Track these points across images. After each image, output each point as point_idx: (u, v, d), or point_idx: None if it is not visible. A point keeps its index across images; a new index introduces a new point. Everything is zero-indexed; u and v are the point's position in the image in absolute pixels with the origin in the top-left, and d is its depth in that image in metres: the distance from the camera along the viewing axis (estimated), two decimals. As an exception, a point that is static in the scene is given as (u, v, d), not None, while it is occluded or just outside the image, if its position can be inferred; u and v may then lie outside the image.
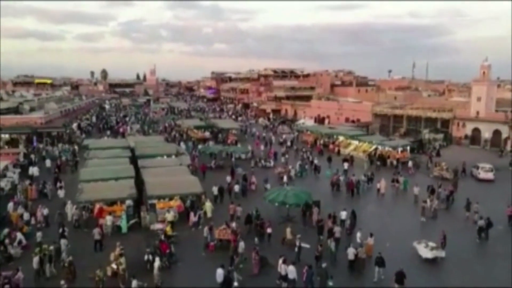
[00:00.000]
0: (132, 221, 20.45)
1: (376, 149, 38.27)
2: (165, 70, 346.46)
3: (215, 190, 24.71)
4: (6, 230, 18.62)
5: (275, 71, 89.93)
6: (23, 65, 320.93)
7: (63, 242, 17.31)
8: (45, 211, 21.29)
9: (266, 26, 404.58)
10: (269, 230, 18.95)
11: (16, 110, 48.90)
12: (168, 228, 18.85)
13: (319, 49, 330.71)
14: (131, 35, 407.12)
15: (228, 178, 27.73)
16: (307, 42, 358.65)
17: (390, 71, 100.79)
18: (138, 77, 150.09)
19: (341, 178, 28.45)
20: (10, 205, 22.18)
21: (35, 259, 15.40)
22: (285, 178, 29.02)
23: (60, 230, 18.38)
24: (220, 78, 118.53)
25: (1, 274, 14.48)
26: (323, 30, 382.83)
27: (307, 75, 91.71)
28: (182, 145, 39.51)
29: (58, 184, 26.33)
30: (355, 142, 41.09)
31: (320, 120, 61.69)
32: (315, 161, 34.32)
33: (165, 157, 29.96)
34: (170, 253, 16.75)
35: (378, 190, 27.29)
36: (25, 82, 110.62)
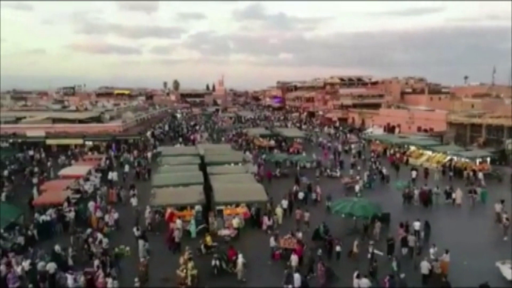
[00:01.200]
0: (200, 226, 21.17)
1: (451, 160, 35.96)
2: (232, 80, 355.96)
3: (284, 203, 24.00)
4: (89, 230, 20.29)
5: (341, 79, 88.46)
6: (105, 77, 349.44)
7: (141, 242, 18.41)
8: (116, 215, 22.69)
9: (331, 34, 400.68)
10: (338, 248, 18.15)
11: (98, 119, 53.12)
12: (208, 239, 19.04)
13: (388, 56, 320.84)
14: (201, 46, 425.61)
15: (294, 188, 27.65)
16: (374, 49, 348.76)
17: (466, 78, 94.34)
18: (207, 87, 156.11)
19: (416, 192, 26.57)
20: (91, 204, 24.08)
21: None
22: (357, 188, 28.32)
23: (137, 232, 19.81)
24: (286, 87, 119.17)
25: (85, 271, 15.73)
26: (392, 36, 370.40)
27: (375, 83, 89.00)
28: (248, 153, 40.18)
29: (131, 192, 27.20)
30: (428, 153, 38.94)
31: (389, 129, 59.41)
32: (384, 172, 33.15)
33: (232, 164, 30.71)
34: (236, 259, 17.06)
35: (453, 201, 25.65)
36: (107, 93, 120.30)
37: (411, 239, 18.15)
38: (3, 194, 27.22)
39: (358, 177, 31.03)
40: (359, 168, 35.51)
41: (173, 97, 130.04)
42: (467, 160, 34.67)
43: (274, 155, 39.25)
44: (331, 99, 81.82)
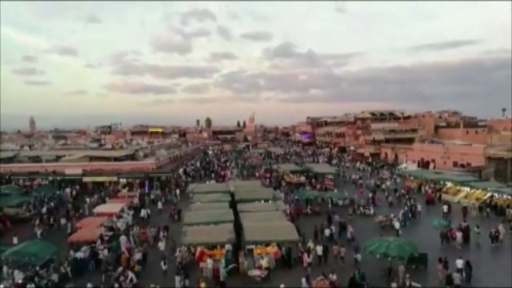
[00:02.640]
0: (231, 266, 20.87)
1: (491, 196, 34.27)
2: (263, 116, 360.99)
3: (319, 249, 22.51)
4: (120, 268, 20.46)
5: (373, 114, 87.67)
6: (140, 116, 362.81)
7: (177, 279, 18.71)
8: (139, 255, 22.62)
9: (361, 69, 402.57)
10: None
11: (132, 157, 54.67)
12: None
13: (421, 90, 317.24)
14: (232, 85, 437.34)
15: (327, 231, 26.98)
16: (407, 83, 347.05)
17: (504, 110, 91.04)
18: (238, 124, 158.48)
19: (458, 235, 24.93)
20: (123, 241, 24.52)
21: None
22: (397, 225, 27.49)
23: (164, 266, 20.12)
24: (316, 123, 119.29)
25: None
26: (426, 69, 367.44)
27: (408, 117, 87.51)
28: (278, 190, 39.87)
29: (162, 234, 26.71)
30: (465, 189, 37.34)
31: (424, 164, 57.74)
32: (419, 209, 32.03)
33: (262, 201, 30.50)
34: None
35: (496, 238, 24.28)
36: (141, 131, 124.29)
37: (456, 276, 17.34)
38: (39, 232, 28.07)
39: (392, 215, 30.02)
40: (393, 205, 34.44)
41: (205, 134, 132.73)
42: (509, 197, 32.94)
43: (305, 192, 38.73)
44: (363, 134, 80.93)
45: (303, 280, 18.11)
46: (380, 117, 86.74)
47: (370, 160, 69.98)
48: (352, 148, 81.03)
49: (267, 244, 22.19)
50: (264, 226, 23.20)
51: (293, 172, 49.88)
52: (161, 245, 24.53)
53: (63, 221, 30.97)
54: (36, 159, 55.29)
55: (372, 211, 33.19)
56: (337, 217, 30.05)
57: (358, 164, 65.80)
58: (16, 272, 19.55)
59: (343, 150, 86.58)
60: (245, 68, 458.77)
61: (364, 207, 34.23)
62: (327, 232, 26.43)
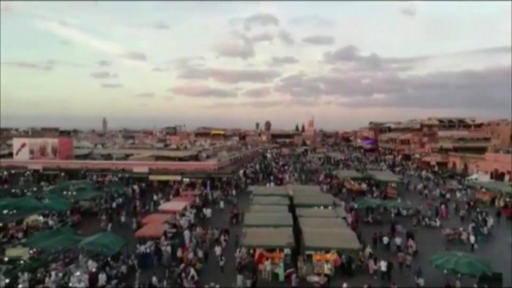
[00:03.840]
0: (289, 270, 20.85)
1: None
2: (322, 121, 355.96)
3: (383, 265, 21.11)
4: (182, 265, 21.27)
5: (440, 121, 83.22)
6: (203, 118, 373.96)
7: (239, 277, 19.19)
8: (200, 253, 23.49)
9: (428, 73, 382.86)
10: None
11: (195, 158, 56.60)
12: None
13: (494, 96, 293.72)
14: (292, 89, 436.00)
15: (385, 239, 26.07)
16: (478, 89, 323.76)
17: None
18: (297, 128, 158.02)
19: None
20: (187, 233, 26.12)
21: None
22: (472, 239, 25.90)
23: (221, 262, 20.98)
24: (379, 128, 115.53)
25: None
26: (499, 74, 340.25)
27: (480, 125, 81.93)
28: (338, 198, 39.12)
29: (223, 237, 26.67)
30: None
31: (498, 176, 53.52)
32: (491, 223, 29.83)
33: (321, 207, 30.14)
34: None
35: None
36: (204, 133, 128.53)
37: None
38: (109, 225, 30.00)
39: (461, 229, 28.21)
40: (465, 218, 32.42)
41: (264, 138, 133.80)
42: None
43: (367, 200, 37.56)
44: (429, 142, 76.95)
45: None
46: (448, 124, 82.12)
47: (436, 169, 66.33)
48: (417, 156, 77.33)
49: (327, 251, 21.85)
50: (324, 232, 22.90)
51: (354, 179, 48.68)
52: (218, 250, 23.97)
53: (129, 217, 32.82)
54: (108, 157, 59.24)
55: (438, 223, 31.44)
56: (400, 227, 28.87)
57: (423, 173, 62.65)
58: (90, 261, 21.10)
59: (407, 157, 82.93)
60: (305, 72, 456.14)
61: (430, 218, 32.50)
62: (385, 240, 25.74)
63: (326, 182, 50.96)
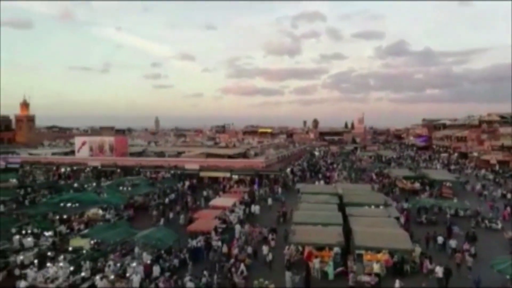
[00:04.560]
0: (339, 269, 20.63)
1: None
2: (373, 118, 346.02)
3: (439, 271, 19.62)
4: (232, 260, 21.71)
5: (502, 117, 77.96)
6: (251, 117, 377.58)
7: (287, 274, 19.30)
8: (250, 249, 23.71)
9: (485, 67, 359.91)
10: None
11: (244, 155, 57.29)
12: None
13: None
14: (341, 86, 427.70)
15: (440, 239, 25.02)
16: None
17: None
18: (346, 125, 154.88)
19: None
20: (238, 227, 27.03)
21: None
22: None
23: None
24: (433, 125, 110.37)
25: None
26: None
27: (547, 121, 75.74)
28: (390, 196, 37.97)
29: (271, 236, 26.29)
30: None
31: None
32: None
33: (372, 207, 29.45)
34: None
35: None
36: (252, 131, 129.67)
37: None
38: (162, 220, 31.16)
39: (526, 233, 26.38)
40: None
41: (312, 135, 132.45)
42: None
43: (420, 200, 36.10)
44: (489, 139, 72.38)
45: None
46: (511, 120, 76.69)
47: (497, 168, 62.32)
48: (475, 154, 73.07)
49: (378, 250, 21.34)
50: (375, 232, 22.40)
51: (406, 178, 46.97)
52: (265, 249, 23.71)
53: (181, 212, 33.91)
54: (161, 154, 61.52)
55: (500, 226, 29.60)
56: (457, 228, 27.53)
57: (482, 172, 59.14)
58: (144, 253, 22.10)
59: (464, 156, 78.59)
60: (354, 68, 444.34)
61: (491, 220, 30.67)
62: (440, 239, 24.76)
63: (377, 181, 49.61)
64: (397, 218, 27.15)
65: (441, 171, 56.48)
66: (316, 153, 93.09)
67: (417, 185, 44.60)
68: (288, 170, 56.64)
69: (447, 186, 42.73)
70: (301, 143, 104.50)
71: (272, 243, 25.24)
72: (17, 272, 20.60)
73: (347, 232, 23.29)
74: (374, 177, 52.73)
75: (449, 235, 26.01)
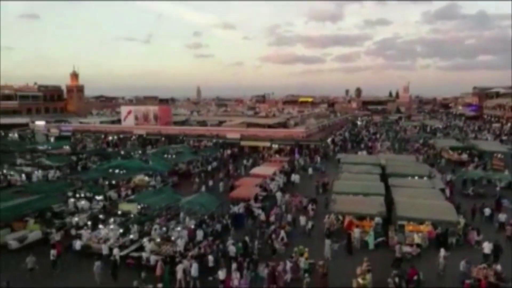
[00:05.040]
0: (379, 239, 20.54)
1: None
2: (418, 86, 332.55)
3: (486, 246, 18.71)
4: (272, 227, 22.16)
5: None
6: (291, 86, 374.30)
7: (327, 242, 19.54)
8: (289, 217, 23.97)
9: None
10: None
11: (284, 125, 57.23)
12: (305, 256, 18.08)
13: None
14: (385, 53, 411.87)
15: (487, 210, 24.16)
16: None
17: None
18: (390, 94, 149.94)
19: None
20: (279, 195, 27.59)
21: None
22: None
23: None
24: (484, 94, 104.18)
25: (268, 264, 17.20)
26: None
27: None
28: (435, 168, 36.75)
29: (310, 206, 26.18)
30: None
31: None
32: None
33: (416, 177, 28.70)
34: (418, 280, 15.90)
35: None
36: (292, 101, 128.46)
37: None
38: (203, 186, 32.09)
39: None
40: None
41: (354, 105, 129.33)
42: None
43: (467, 172, 34.70)
44: (548, 109, 67.59)
45: (462, 263, 16.64)
46: None
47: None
48: (531, 124, 68.72)
49: (421, 222, 20.97)
50: (418, 203, 21.89)
51: (453, 148, 45.08)
52: (302, 219, 23.76)
53: (223, 179, 34.73)
54: (203, 123, 62.75)
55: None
56: (507, 202, 26.36)
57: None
58: (187, 218, 23.03)
59: (519, 126, 74.05)
60: (400, 34, 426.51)
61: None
62: (487, 211, 23.98)
63: (422, 151, 48.04)
64: (442, 190, 26.33)
65: (491, 142, 53.67)
66: (359, 123, 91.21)
67: (464, 156, 42.79)
68: (329, 140, 56.01)
69: (498, 157, 40.61)
70: (343, 113, 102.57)
71: (311, 213, 25.36)
72: (73, 232, 22.20)
73: (389, 202, 22.96)
74: (419, 147, 51.07)
75: (498, 209, 24.98)
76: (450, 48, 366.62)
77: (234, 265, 16.92)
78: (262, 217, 24.24)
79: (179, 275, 16.65)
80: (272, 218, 23.78)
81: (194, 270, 16.77)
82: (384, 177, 28.59)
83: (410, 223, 21.12)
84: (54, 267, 18.47)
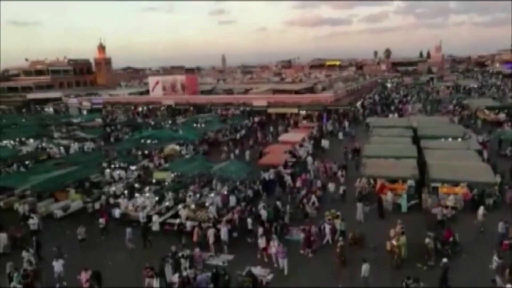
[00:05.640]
0: (412, 202, 20.39)
1: None
2: (452, 45, 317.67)
3: None
4: (303, 192, 22.34)
5: None
6: (317, 49, 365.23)
7: (359, 205, 19.71)
8: (319, 183, 23.89)
9: None
10: None
11: (311, 90, 56.34)
12: (340, 218, 18.07)
13: None
14: (415, 11, 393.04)
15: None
16: None
17: None
18: (421, 54, 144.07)
19: None
20: (309, 160, 28.13)
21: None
22: None
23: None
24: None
25: (301, 227, 17.49)
26: None
27: None
28: (470, 128, 35.59)
29: (340, 173, 25.73)
30: None
31: None
32: None
33: (450, 139, 27.96)
34: (454, 241, 15.81)
35: None
36: (319, 65, 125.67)
37: None
38: (232, 154, 32.42)
39: None
40: None
41: (383, 67, 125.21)
42: None
43: (504, 132, 33.41)
44: None
45: (501, 223, 16.33)
46: None
47: None
48: None
49: (456, 184, 20.59)
50: (452, 165, 21.43)
51: (489, 108, 43.36)
52: (331, 186, 23.40)
53: (253, 146, 34.99)
54: (229, 92, 62.69)
55: None
56: (547, 162, 25.40)
57: None
58: (219, 185, 23.53)
59: (561, 82, 70.08)
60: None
61: None
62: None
63: (456, 112, 46.46)
64: (479, 152, 25.55)
65: (531, 100, 51.21)
66: (388, 85, 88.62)
67: (502, 115, 41.11)
68: (358, 103, 54.93)
69: (538, 116, 38.87)
70: (372, 75, 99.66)
71: (342, 180, 25.04)
72: (111, 201, 23.19)
73: (422, 165, 22.58)
74: (452, 108, 49.38)
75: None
76: (487, 2, 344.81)
77: (260, 230, 17.34)
78: (292, 183, 24.43)
79: (211, 239, 17.25)
80: (298, 183, 23.94)
81: (224, 234, 17.31)
82: (416, 139, 28.02)
83: (444, 185, 20.79)
84: (103, 234, 19.57)
